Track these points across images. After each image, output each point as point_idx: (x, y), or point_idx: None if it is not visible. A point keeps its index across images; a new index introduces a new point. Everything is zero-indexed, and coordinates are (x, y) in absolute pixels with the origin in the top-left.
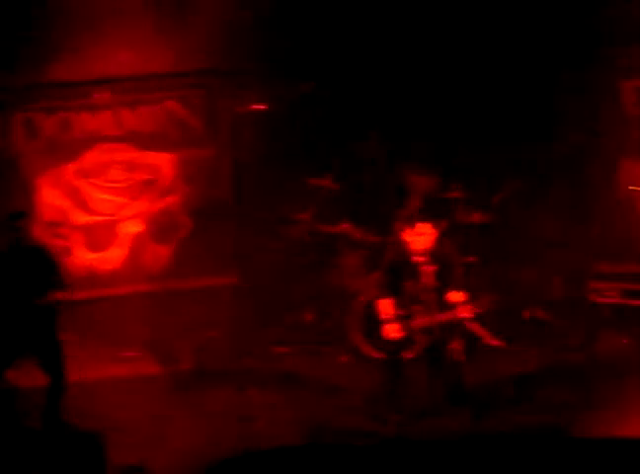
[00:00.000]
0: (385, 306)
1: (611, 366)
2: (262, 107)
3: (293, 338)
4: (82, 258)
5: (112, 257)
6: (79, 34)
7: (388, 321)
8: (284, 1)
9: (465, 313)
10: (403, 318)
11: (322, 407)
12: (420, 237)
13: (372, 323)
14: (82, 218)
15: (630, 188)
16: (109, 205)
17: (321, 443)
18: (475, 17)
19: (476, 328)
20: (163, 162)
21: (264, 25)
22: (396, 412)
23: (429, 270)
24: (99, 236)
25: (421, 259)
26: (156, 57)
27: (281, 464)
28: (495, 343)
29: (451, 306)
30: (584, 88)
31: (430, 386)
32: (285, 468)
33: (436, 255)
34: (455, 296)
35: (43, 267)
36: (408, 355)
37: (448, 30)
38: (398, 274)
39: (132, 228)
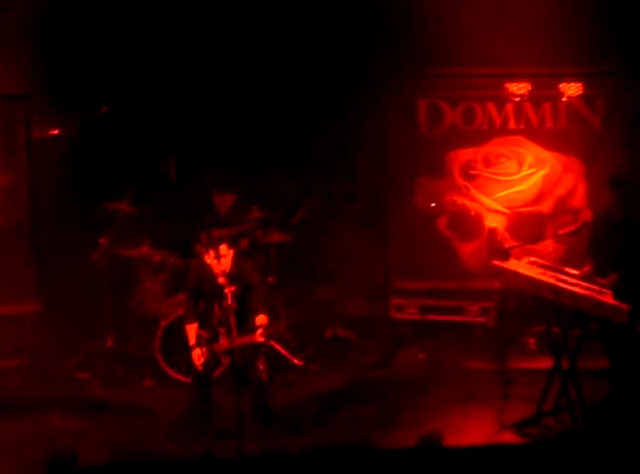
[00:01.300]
0: (192, 331)
1: (410, 381)
2: (59, 131)
3: (96, 363)
4: None
5: None
6: None
7: (196, 346)
8: (81, 25)
9: (263, 337)
10: (208, 341)
11: (127, 431)
12: (220, 259)
13: (175, 346)
14: None
15: (427, 205)
16: None
17: (125, 461)
18: (264, 46)
19: (278, 348)
20: None
21: (59, 49)
22: (202, 433)
23: (230, 291)
24: None
25: (222, 281)
26: None
27: None
28: (298, 362)
29: (256, 328)
30: (379, 106)
31: (236, 406)
32: None
33: (236, 276)
34: (260, 319)
35: None
36: (214, 375)
37: (242, 58)
38: (202, 296)
39: None
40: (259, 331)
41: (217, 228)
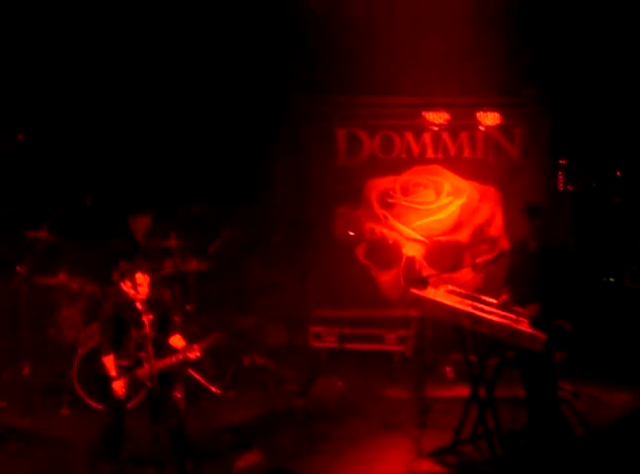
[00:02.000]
0: (110, 363)
1: (329, 409)
2: None
3: (13, 391)
4: None
5: None
6: None
7: (114, 380)
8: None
9: (188, 355)
10: (129, 369)
11: (42, 460)
12: (137, 287)
13: (93, 374)
14: None
15: (346, 233)
16: None
17: None
18: (183, 71)
19: (196, 375)
20: None
21: None
22: (115, 462)
23: (148, 318)
24: None
25: (140, 307)
26: None
27: None
28: (215, 390)
29: (173, 351)
30: (298, 136)
31: (152, 434)
32: None
33: (154, 303)
34: (175, 341)
35: None
36: (130, 403)
37: (160, 87)
38: (119, 324)
39: None
40: (186, 349)
41: (134, 256)
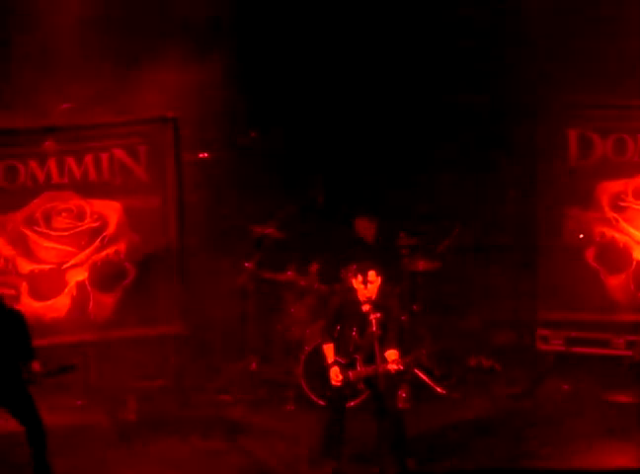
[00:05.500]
0: (329, 351)
1: (553, 413)
2: (207, 155)
3: (238, 386)
4: (27, 306)
5: (57, 305)
6: (26, 83)
7: (331, 366)
8: (228, 51)
9: (395, 367)
10: (345, 365)
11: (267, 455)
12: (366, 285)
13: (317, 371)
14: (27, 267)
15: (576, 236)
16: (54, 254)
17: None
18: (409, 74)
19: (422, 376)
20: (109, 210)
21: (207, 73)
22: (334, 458)
23: (375, 317)
24: (44, 285)
25: (366, 307)
26: (102, 106)
27: None
28: (441, 390)
29: (387, 361)
30: (530, 137)
31: (374, 434)
32: None
33: (379, 303)
34: (390, 354)
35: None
36: (351, 401)
37: (392, 82)
38: (342, 322)
39: (78, 276)
40: (396, 361)
41: (367, 255)
